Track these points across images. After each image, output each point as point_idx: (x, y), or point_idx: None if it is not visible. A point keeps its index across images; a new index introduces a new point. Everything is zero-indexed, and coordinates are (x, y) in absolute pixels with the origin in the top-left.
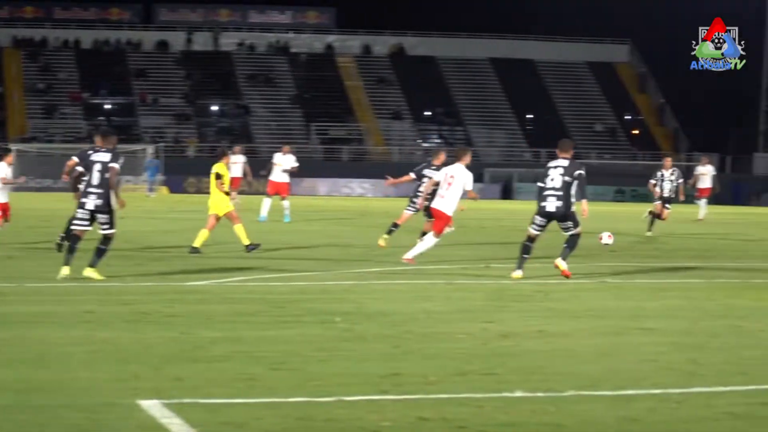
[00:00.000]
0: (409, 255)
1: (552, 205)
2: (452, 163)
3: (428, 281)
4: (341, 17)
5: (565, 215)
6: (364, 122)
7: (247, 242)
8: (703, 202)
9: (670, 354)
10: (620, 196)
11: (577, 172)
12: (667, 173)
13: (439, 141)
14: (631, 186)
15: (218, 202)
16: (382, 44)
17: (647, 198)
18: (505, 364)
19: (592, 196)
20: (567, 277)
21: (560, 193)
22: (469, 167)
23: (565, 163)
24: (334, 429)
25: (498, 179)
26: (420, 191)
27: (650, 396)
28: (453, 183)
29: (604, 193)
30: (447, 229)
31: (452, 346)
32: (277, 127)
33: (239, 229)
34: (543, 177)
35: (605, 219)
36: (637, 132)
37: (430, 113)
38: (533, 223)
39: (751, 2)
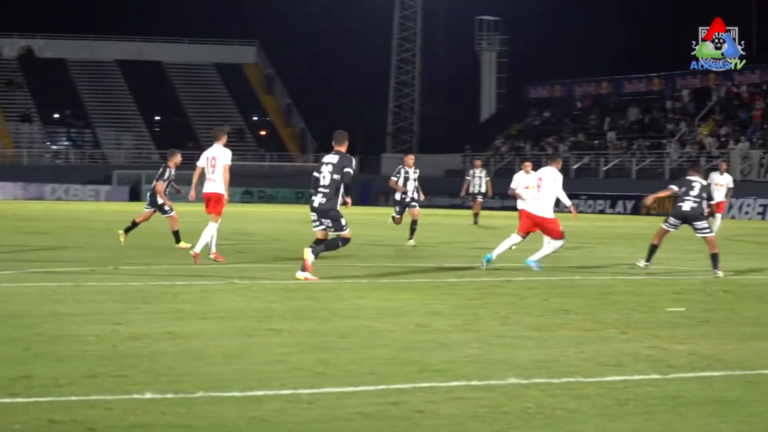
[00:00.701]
0: (197, 248)
1: (317, 201)
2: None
3: (57, 283)
4: None
5: (326, 212)
6: None
7: None
8: None
9: (299, 354)
10: (248, 197)
11: (346, 169)
12: (411, 171)
13: (67, 143)
14: (259, 187)
15: None
16: (11, 46)
17: (273, 199)
18: (135, 365)
19: None
20: (307, 270)
21: (327, 190)
22: (226, 146)
23: (335, 159)
24: None
25: (126, 181)
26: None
27: (280, 396)
28: (216, 164)
29: (233, 194)
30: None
31: (83, 348)
32: None
33: None
34: (318, 170)
35: (231, 220)
36: (264, 133)
37: (58, 116)
38: (312, 220)
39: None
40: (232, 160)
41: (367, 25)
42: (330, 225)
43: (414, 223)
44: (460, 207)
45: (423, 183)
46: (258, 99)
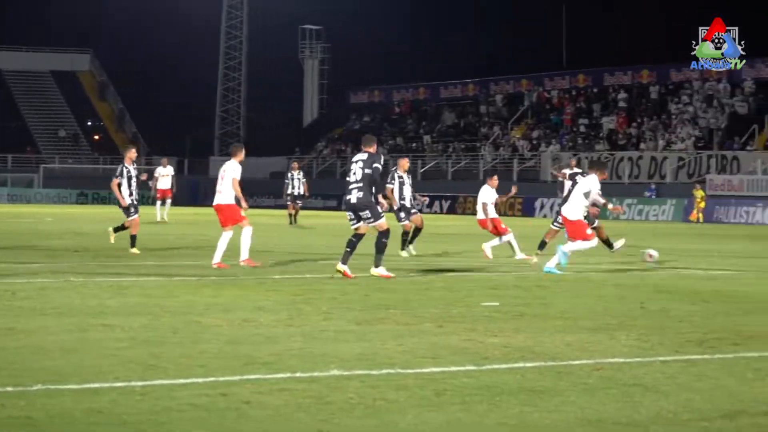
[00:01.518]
0: (216, 258)
1: (354, 196)
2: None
3: None
4: None
5: (364, 206)
6: None
7: None
8: (167, 203)
9: (132, 349)
10: (83, 199)
11: (375, 165)
12: (406, 176)
13: None
14: (93, 189)
15: None
16: None
17: (107, 200)
18: None
19: (56, 199)
20: (388, 278)
21: (360, 184)
22: (241, 163)
23: (365, 156)
24: None
25: None
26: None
27: (114, 389)
28: (225, 176)
29: (68, 196)
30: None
31: None
32: None
33: None
34: (348, 172)
35: (68, 220)
36: (98, 137)
37: None
38: (348, 219)
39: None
40: (68, 164)
41: (196, 33)
42: (369, 216)
43: (418, 230)
44: (284, 207)
45: (248, 185)
46: (92, 105)
